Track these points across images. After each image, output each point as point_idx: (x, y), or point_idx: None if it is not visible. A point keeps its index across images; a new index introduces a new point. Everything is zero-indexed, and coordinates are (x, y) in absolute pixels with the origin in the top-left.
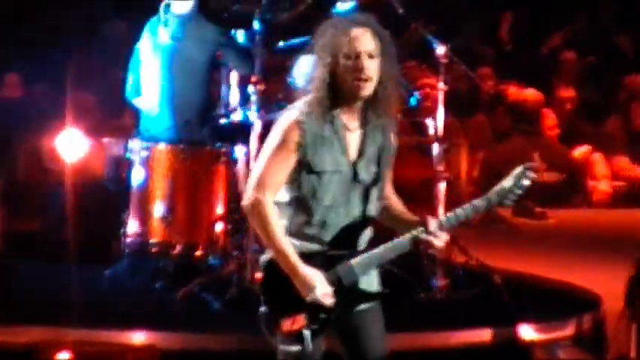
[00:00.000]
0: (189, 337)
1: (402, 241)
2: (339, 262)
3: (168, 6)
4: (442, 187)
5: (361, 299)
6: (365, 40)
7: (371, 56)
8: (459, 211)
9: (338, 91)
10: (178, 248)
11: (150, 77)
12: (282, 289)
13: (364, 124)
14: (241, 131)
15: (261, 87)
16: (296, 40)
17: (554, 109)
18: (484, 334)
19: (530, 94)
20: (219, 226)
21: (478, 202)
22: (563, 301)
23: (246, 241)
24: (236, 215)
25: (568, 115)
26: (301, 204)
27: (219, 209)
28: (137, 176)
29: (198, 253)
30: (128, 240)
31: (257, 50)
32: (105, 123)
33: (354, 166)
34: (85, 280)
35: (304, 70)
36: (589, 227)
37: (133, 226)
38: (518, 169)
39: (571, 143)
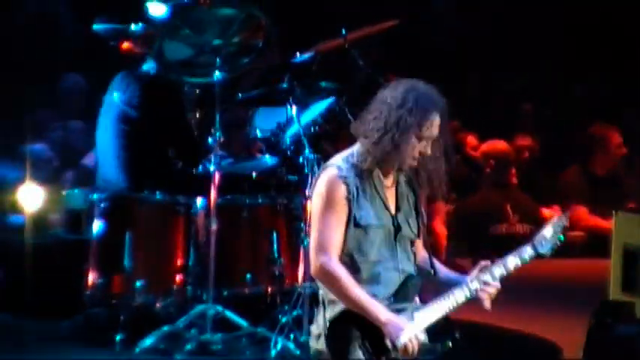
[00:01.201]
0: None
1: (460, 295)
2: (401, 316)
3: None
4: None
5: (423, 352)
6: (437, 127)
7: (434, 140)
8: (509, 260)
9: (390, 157)
10: (138, 299)
11: (100, 134)
12: (351, 342)
13: (397, 181)
14: (200, 183)
15: (219, 139)
16: (254, 92)
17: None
18: None
19: (501, 145)
20: (178, 277)
21: (527, 250)
22: (524, 352)
23: (204, 294)
24: (196, 267)
25: (526, 164)
26: (347, 261)
27: (179, 260)
28: (96, 227)
29: (158, 304)
30: (88, 292)
31: (217, 103)
32: (62, 174)
33: (396, 220)
34: (44, 333)
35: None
36: (548, 277)
37: (92, 278)
38: (556, 219)
39: (530, 192)
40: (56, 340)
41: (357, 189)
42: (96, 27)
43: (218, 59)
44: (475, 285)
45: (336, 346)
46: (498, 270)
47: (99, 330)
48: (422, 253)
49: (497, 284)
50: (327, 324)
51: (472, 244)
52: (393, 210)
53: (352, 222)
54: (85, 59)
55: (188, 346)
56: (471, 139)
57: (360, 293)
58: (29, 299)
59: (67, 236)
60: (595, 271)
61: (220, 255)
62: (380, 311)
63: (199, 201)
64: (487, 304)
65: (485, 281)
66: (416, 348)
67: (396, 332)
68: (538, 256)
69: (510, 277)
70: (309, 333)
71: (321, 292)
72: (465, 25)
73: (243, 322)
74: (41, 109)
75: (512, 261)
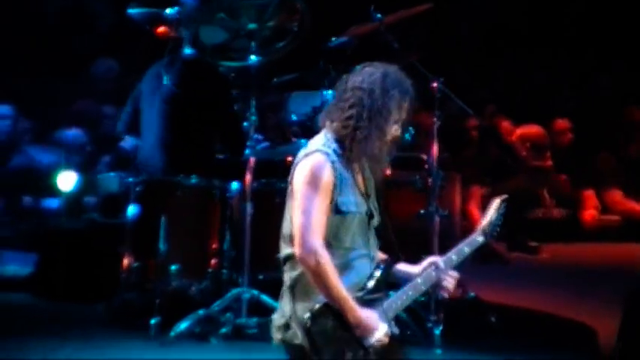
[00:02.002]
0: None
1: (420, 283)
2: (374, 307)
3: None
4: (437, 221)
5: (394, 342)
6: (407, 110)
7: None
8: (464, 248)
9: (371, 143)
10: (173, 283)
11: (145, 116)
12: (332, 336)
13: (363, 167)
14: (236, 167)
15: (255, 123)
16: (288, 76)
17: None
18: None
19: (536, 129)
20: (213, 261)
21: (477, 238)
22: (558, 335)
23: (239, 278)
24: (231, 251)
25: (567, 146)
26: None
27: (214, 244)
28: (131, 211)
29: (193, 288)
30: (123, 276)
31: (253, 87)
32: (98, 158)
33: (368, 206)
34: (79, 318)
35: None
36: (583, 261)
37: (128, 262)
38: (497, 202)
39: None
40: (91, 324)
41: (340, 175)
42: (130, 11)
43: (253, 43)
44: (436, 276)
45: (317, 338)
46: (454, 257)
47: (134, 314)
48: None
49: (456, 274)
50: (306, 315)
51: (508, 228)
52: (365, 194)
53: (334, 208)
54: (118, 44)
55: (223, 330)
56: (506, 125)
57: (343, 289)
58: (64, 283)
59: (102, 220)
60: (630, 256)
61: (255, 239)
62: (353, 311)
63: (235, 185)
64: (446, 293)
65: (444, 272)
66: (386, 342)
67: (364, 334)
68: (486, 240)
69: (546, 261)
70: None
71: (288, 279)
72: (496, 11)
73: (277, 306)
74: (80, 98)
75: (466, 248)
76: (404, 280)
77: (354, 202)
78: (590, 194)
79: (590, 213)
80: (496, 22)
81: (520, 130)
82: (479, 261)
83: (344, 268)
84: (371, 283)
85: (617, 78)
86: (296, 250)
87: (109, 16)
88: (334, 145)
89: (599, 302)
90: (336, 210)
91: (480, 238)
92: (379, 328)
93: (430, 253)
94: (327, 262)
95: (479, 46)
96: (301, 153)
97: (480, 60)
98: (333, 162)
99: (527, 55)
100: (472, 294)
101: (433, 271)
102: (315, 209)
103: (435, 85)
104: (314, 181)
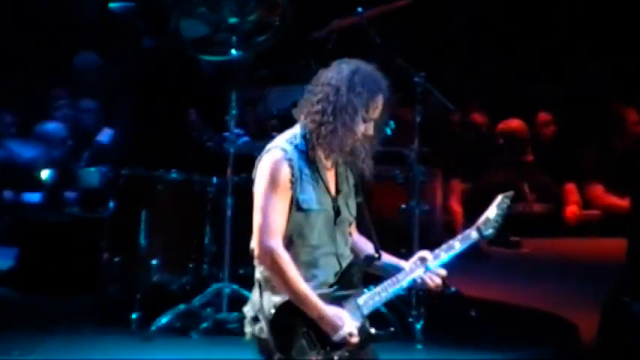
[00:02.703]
0: None
1: (400, 279)
2: (345, 303)
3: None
4: (418, 216)
5: (368, 340)
6: (380, 108)
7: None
8: (455, 244)
9: (336, 139)
10: (154, 278)
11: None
12: (296, 333)
13: (336, 162)
14: (216, 161)
15: (235, 117)
16: (268, 70)
17: (535, 135)
18: None
19: (516, 123)
20: (194, 256)
21: (472, 234)
22: (540, 329)
23: (219, 273)
24: (212, 246)
25: (549, 140)
26: (287, 244)
27: (195, 239)
28: (112, 206)
29: (173, 283)
30: (104, 270)
31: (234, 83)
32: (77, 152)
33: (336, 203)
34: (60, 311)
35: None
36: (564, 255)
37: (108, 256)
38: (499, 199)
39: (548, 170)
40: (73, 318)
41: (300, 172)
42: (112, 5)
43: (234, 37)
44: (420, 271)
45: (281, 334)
46: (443, 254)
47: (115, 308)
48: (356, 235)
49: (443, 271)
50: (271, 310)
51: (501, 229)
52: (333, 193)
53: (295, 205)
54: (99, 37)
55: (204, 325)
56: (482, 117)
57: (304, 286)
58: (45, 277)
59: (82, 214)
60: (611, 251)
61: (236, 234)
62: (315, 307)
63: (215, 180)
64: (429, 288)
65: (431, 268)
66: (355, 340)
67: (332, 328)
68: (482, 239)
69: (527, 256)
70: None
71: (258, 273)
72: (479, 4)
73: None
74: (56, 87)
75: (457, 245)
76: (392, 273)
77: (316, 199)
78: (571, 189)
79: (571, 209)
80: (483, 15)
81: (500, 125)
82: (459, 255)
83: (310, 265)
84: (341, 280)
85: (602, 72)
86: (255, 249)
87: (92, 10)
88: (299, 141)
89: (579, 297)
90: (297, 207)
91: (474, 235)
92: (346, 325)
93: (411, 247)
94: (283, 260)
95: (466, 40)
96: (265, 149)
97: (467, 54)
98: (290, 159)
99: (513, 48)
100: (453, 289)
101: (419, 266)
102: (271, 208)
103: (416, 79)
104: (270, 179)
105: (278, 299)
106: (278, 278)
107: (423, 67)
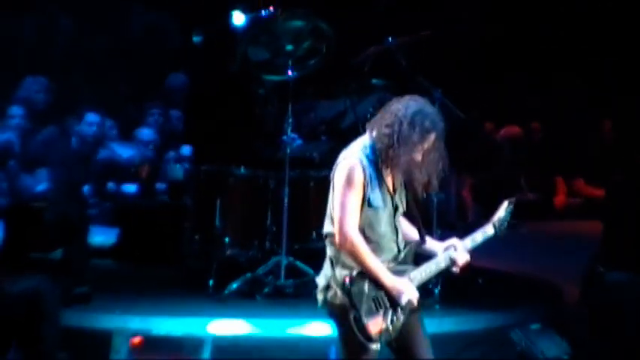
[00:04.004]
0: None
1: (440, 261)
2: (402, 276)
3: None
4: (436, 202)
5: (418, 305)
6: (433, 142)
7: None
8: (477, 236)
9: (393, 160)
10: (227, 252)
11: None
12: (366, 299)
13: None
14: (276, 160)
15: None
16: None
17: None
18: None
19: (516, 129)
20: (259, 234)
21: (489, 230)
22: (533, 292)
23: (279, 248)
24: (272, 226)
25: (539, 143)
26: (361, 233)
27: (259, 221)
28: (194, 195)
29: (242, 256)
30: (187, 246)
31: (290, 97)
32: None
33: (394, 201)
34: (153, 278)
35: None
36: (552, 234)
37: (191, 235)
38: (506, 204)
39: (539, 167)
40: (162, 284)
41: (370, 176)
42: (195, 39)
43: (290, 61)
44: (453, 254)
45: (354, 297)
46: (469, 242)
47: (195, 276)
48: (405, 223)
49: (467, 256)
50: (346, 279)
51: (491, 209)
52: (392, 192)
53: (366, 203)
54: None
55: (266, 289)
56: (490, 126)
57: (378, 264)
58: (140, 251)
59: (170, 202)
60: (590, 230)
61: (292, 217)
62: (387, 278)
63: (275, 174)
64: (457, 269)
65: (460, 252)
66: (415, 303)
67: (399, 295)
68: (496, 234)
69: (524, 235)
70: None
71: (330, 252)
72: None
73: (309, 270)
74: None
75: (479, 237)
76: (431, 253)
77: (382, 198)
78: (560, 181)
79: (559, 199)
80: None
81: (502, 131)
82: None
83: (376, 250)
84: (399, 257)
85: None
86: (336, 237)
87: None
88: (368, 151)
89: (565, 266)
90: (369, 204)
91: (491, 231)
92: (410, 291)
93: (431, 228)
94: (360, 243)
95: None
96: (341, 155)
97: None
98: (364, 167)
99: (509, 70)
100: None
101: (453, 251)
102: (349, 204)
103: (434, 94)
104: (349, 181)
105: (350, 271)
106: (357, 257)
107: (439, 83)
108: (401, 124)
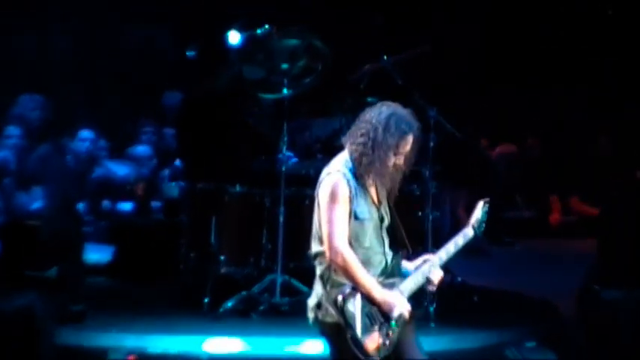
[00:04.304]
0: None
1: (420, 277)
2: (392, 289)
3: None
4: (430, 220)
5: (410, 317)
6: (410, 144)
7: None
8: (451, 245)
9: (373, 167)
10: (222, 270)
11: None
12: (361, 316)
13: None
14: (271, 178)
15: (287, 143)
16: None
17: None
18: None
19: (511, 147)
20: (254, 252)
21: (468, 232)
22: (528, 310)
23: (274, 266)
24: (268, 244)
25: (536, 158)
26: None
27: (255, 239)
28: (190, 213)
29: (237, 274)
30: (182, 264)
31: (285, 115)
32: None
33: (379, 212)
34: (148, 296)
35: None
36: (547, 252)
37: (186, 253)
38: (481, 204)
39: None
40: (157, 301)
41: (355, 189)
42: (188, 53)
43: (285, 79)
44: (428, 274)
45: (348, 315)
46: (444, 255)
47: (190, 294)
48: None
49: (441, 273)
50: (338, 297)
51: (488, 226)
52: (377, 203)
53: (353, 216)
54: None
55: (261, 307)
56: (484, 142)
57: (369, 279)
58: (135, 269)
59: (165, 219)
60: (585, 249)
61: (287, 235)
62: (378, 292)
63: (270, 192)
64: (433, 287)
65: (434, 269)
66: (407, 316)
67: (390, 309)
68: (476, 234)
69: (519, 253)
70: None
71: (320, 270)
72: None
73: (304, 288)
74: (141, 117)
75: (460, 240)
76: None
77: (367, 210)
78: (554, 199)
79: (554, 217)
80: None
81: (499, 148)
82: (465, 254)
83: (364, 263)
84: (387, 271)
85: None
86: (326, 253)
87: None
88: (350, 165)
89: (560, 284)
90: (355, 217)
91: (471, 233)
92: (402, 304)
93: (426, 246)
94: (351, 258)
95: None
96: (324, 172)
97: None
98: (348, 180)
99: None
100: (459, 279)
101: (427, 269)
102: (337, 218)
103: (430, 113)
104: (334, 196)
105: (342, 289)
106: (348, 272)
107: (434, 98)
108: (376, 129)
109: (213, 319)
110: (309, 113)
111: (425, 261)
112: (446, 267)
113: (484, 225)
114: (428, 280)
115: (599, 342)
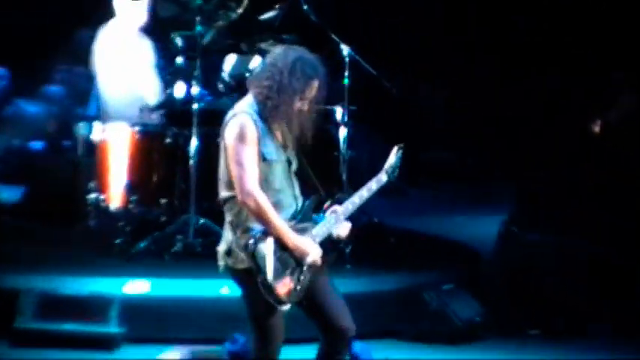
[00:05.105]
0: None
1: (331, 224)
2: (304, 234)
3: None
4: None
5: (323, 262)
6: (315, 89)
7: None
8: (372, 185)
9: (278, 111)
10: (134, 211)
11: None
12: (272, 260)
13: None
14: (186, 116)
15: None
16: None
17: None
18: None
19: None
20: (167, 193)
21: (382, 177)
22: (447, 253)
23: (187, 207)
24: (181, 184)
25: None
26: None
27: (167, 179)
28: (101, 153)
29: (150, 214)
30: (91, 205)
31: (198, 51)
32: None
33: (287, 155)
34: (59, 238)
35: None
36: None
37: (96, 194)
38: (395, 149)
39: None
40: (67, 243)
41: (262, 130)
42: None
43: (199, 16)
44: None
45: (260, 260)
46: (350, 206)
47: (103, 236)
48: None
49: (349, 224)
50: (249, 242)
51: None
52: (283, 147)
53: (260, 157)
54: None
55: (175, 248)
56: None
57: (281, 223)
58: (45, 210)
59: (76, 160)
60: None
61: (201, 175)
62: (290, 238)
63: (184, 130)
64: (343, 233)
65: (341, 222)
66: (319, 262)
67: (302, 255)
68: (390, 180)
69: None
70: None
71: (229, 217)
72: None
73: (218, 229)
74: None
75: (374, 185)
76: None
77: (275, 151)
78: None
79: None
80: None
81: None
82: (382, 193)
83: (275, 206)
84: (299, 215)
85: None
86: (238, 195)
87: None
88: (256, 107)
89: (480, 227)
90: (263, 158)
91: (385, 178)
92: (314, 250)
93: (341, 187)
94: (264, 200)
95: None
96: (230, 113)
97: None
98: (255, 121)
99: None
100: (376, 219)
101: (334, 218)
102: (246, 160)
103: (345, 50)
104: (242, 137)
105: (252, 233)
106: (261, 216)
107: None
108: (281, 73)
109: (126, 260)
110: (223, 51)
111: (333, 212)
112: (362, 208)
113: (398, 170)
114: (336, 230)
115: (516, 284)
